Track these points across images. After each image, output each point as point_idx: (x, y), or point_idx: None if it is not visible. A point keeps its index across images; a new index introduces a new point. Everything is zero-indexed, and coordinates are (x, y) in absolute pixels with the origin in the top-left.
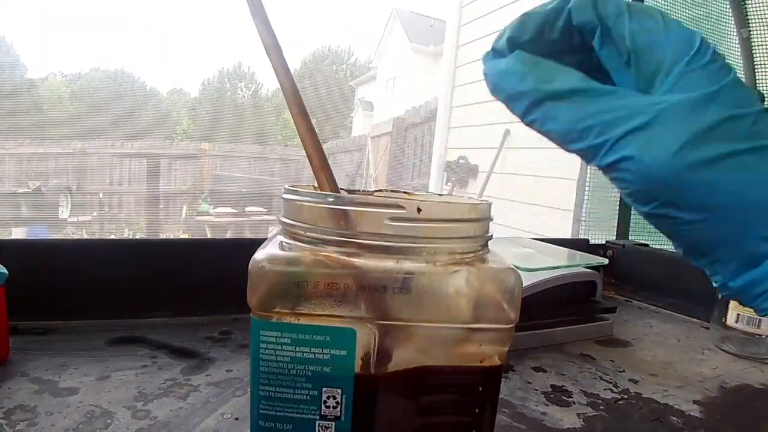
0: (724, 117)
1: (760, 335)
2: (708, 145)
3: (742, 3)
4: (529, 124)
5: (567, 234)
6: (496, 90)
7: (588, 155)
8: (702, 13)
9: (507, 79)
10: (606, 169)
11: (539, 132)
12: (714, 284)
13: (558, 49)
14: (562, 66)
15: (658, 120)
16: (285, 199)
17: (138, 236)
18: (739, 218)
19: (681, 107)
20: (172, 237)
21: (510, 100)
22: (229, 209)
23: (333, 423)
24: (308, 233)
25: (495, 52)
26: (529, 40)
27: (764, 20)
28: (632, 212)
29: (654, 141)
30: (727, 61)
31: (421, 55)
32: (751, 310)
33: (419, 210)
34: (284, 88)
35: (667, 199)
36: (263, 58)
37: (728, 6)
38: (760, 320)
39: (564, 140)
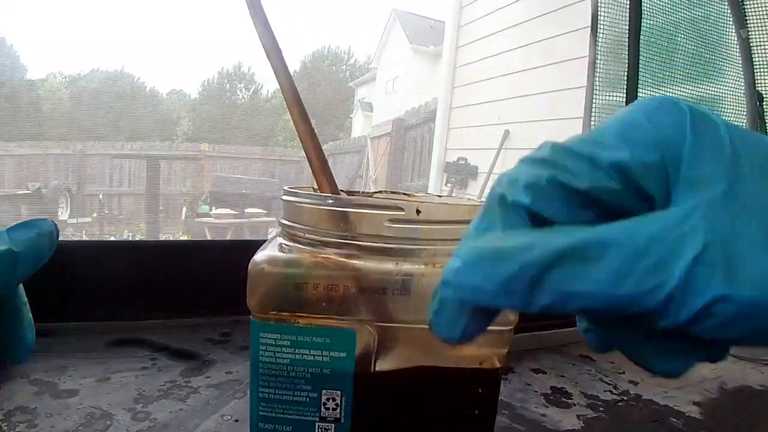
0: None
1: None
2: None
3: (741, 4)
4: (546, 313)
5: None
6: (468, 295)
7: (653, 319)
8: (701, 13)
9: (474, 272)
10: (689, 323)
11: (575, 315)
12: None
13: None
14: (531, 229)
15: (713, 230)
16: (284, 200)
17: (138, 238)
18: None
19: (720, 197)
20: (171, 238)
21: (497, 298)
22: (228, 211)
23: (332, 425)
24: (308, 235)
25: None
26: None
27: (763, 21)
28: None
29: (734, 260)
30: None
31: (420, 55)
32: None
33: (418, 212)
34: (284, 89)
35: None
36: (263, 60)
37: (727, 7)
38: None
39: (612, 313)
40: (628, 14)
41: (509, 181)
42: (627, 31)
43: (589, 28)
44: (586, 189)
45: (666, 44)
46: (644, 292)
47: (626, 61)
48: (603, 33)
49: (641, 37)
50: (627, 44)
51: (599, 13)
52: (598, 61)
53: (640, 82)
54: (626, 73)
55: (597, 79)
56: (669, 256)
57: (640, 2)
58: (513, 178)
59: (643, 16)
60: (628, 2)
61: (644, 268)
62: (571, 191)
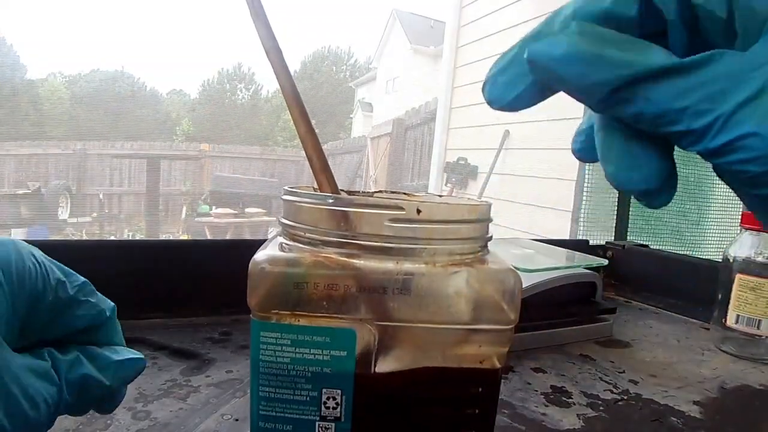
0: None
1: (760, 336)
2: None
3: None
4: (605, 112)
5: (566, 235)
6: (556, 81)
7: (689, 139)
8: None
9: (572, 65)
10: (717, 151)
11: (620, 118)
12: None
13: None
14: (637, 39)
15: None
16: (285, 200)
17: (138, 237)
18: None
19: None
20: (171, 238)
21: (578, 91)
22: (228, 210)
23: (333, 424)
24: (308, 234)
25: (540, 35)
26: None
27: None
28: (630, 213)
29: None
30: None
31: (421, 55)
32: None
33: (419, 211)
34: (284, 89)
35: None
36: (263, 60)
37: None
38: (759, 321)
39: (658, 124)
40: None
41: None
42: None
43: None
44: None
45: None
46: (696, 111)
47: None
48: None
49: None
50: None
51: None
52: None
53: None
54: None
55: None
56: (728, 91)
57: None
58: None
59: None
60: None
61: (705, 93)
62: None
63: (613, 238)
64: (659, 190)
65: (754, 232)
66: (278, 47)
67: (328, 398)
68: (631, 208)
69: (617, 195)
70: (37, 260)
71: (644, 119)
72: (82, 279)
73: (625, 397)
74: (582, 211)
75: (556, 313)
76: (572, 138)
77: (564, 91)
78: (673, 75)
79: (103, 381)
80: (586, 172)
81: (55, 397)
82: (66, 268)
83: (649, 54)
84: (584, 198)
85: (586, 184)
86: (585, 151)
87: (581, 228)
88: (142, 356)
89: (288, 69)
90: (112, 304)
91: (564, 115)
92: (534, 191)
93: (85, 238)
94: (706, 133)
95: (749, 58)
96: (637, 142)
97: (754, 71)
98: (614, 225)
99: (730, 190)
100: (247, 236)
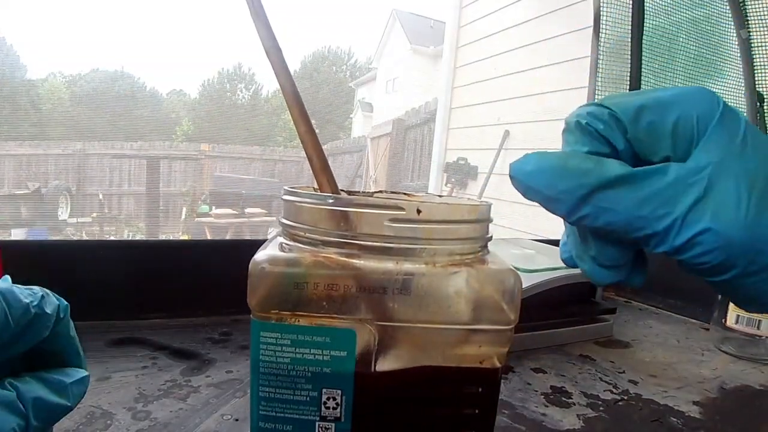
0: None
1: (760, 336)
2: None
3: (742, 4)
4: (578, 222)
5: None
6: (529, 192)
7: (655, 241)
8: (702, 14)
9: (540, 177)
10: (680, 249)
11: (592, 228)
12: None
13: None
14: (592, 156)
15: (713, 184)
16: (285, 200)
17: (138, 237)
18: None
19: (726, 164)
20: (171, 238)
21: (549, 201)
22: (228, 210)
23: (333, 424)
24: (308, 234)
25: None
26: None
27: (764, 21)
28: None
29: (721, 207)
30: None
31: (420, 56)
32: None
33: (419, 211)
34: (284, 89)
35: (748, 261)
36: (263, 59)
37: (728, 7)
38: (759, 321)
39: (626, 231)
40: (630, 14)
41: (586, 113)
42: (629, 31)
43: (591, 29)
44: (628, 135)
45: (668, 44)
46: (656, 216)
47: (629, 60)
48: (605, 33)
49: (643, 37)
50: (629, 44)
51: (601, 12)
52: (600, 61)
53: (641, 82)
54: (629, 73)
55: (599, 79)
56: (679, 196)
57: (643, 2)
58: (586, 111)
59: (645, 16)
60: (631, 2)
61: (661, 200)
62: (622, 130)
63: None
64: (631, 276)
65: None
66: (278, 47)
67: (328, 398)
68: None
69: None
70: None
71: (615, 227)
72: (38, 292)
73: (625, 398)
74: None
75: (556, 313)
76: (560, 248)
77: (540, 204)
78: (630, 183)
79: (67, 403)
80: None
81: (23, 425)
82: (15, 287)
83: (607, 165)
84: None
85: None
86: (571, 260)
87: None
88: (87, 373)
89: (288, 69)
90: (65, 303)
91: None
92: None
93: (85, 238)
94: (668, 234)
95: (690, 167)
96: (606, 245)
97: (697, 175)
98: None
99: None
100: (248, 236)
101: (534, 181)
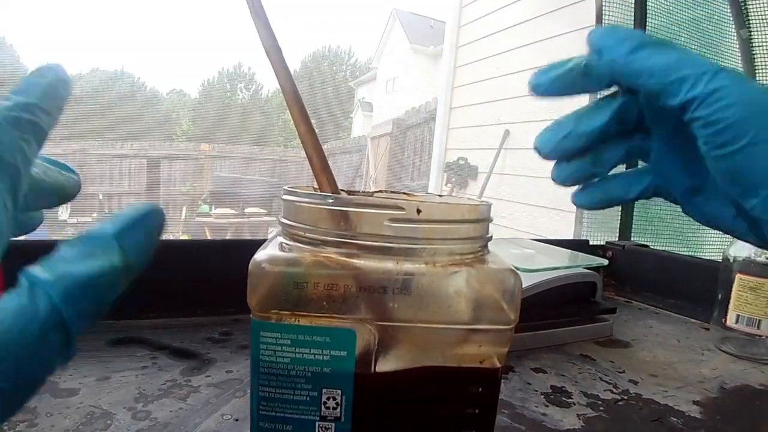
0: None
1: (760, 336)
2: None
3: (742, 4)
4: (624, 70)
5: (567, 235)
6: (600, 40)
7: (685, 87)
8: (703, 13)
9: (614, 33)
10: (703, 101)
11: (634, 71)
12: (752, 215)
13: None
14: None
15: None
16: (285, 200)
17: None
18: None
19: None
20: (171, 238)
21: (617, 42)
22: (228, 210)
23: (333, 424)
24: (308, 234)
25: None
26: None
27: (764, 21)
28: (634, 213)
29: (739, 79)
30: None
31: (420, 55)
32: None
33: (419, 211)
34: (284, 89)
35: (762, 125)
36: (263, 59)
37: (728, 7)
38: (760, 321)
39: (666, 70)
40: (633, 13)
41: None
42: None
43: (592, 28)
44: None
45: None
46: (689, 64)
47: None
48: None
49: None
50: None
51: (603, 12)
52: None
53: None
54: None
55: None
56: (707, 63)
57: (645, 1)
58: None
59: (647, 15)
60: (633, 1)
61: (691, 60)
62: None
63: (616, 238)
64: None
65: None
66: (278, 47)
67: (328, 398)
68: (634, 210)
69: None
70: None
71: (654, 73)
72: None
73: (625, 397)
74: (586, 211)
75: (556, 313)
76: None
77: (600, 54)
78: (668, 47)
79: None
80: None
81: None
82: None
83: (654, 37)
84: None
85: None
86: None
87: (584, 228)
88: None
89: (288, 68)
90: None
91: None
92: (534, 191)
93: None
94: (698, 82)
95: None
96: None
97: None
98: (617, 226)
99: None
100: (247, 236)
101: (608, 35)
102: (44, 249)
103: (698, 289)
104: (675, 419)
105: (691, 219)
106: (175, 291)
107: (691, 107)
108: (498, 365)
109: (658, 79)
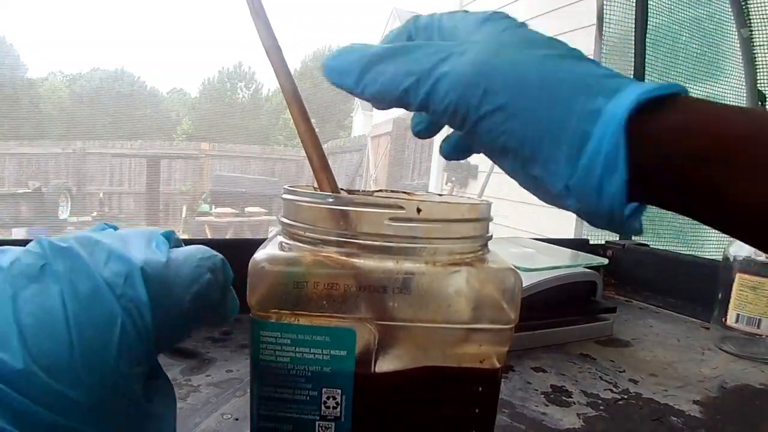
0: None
1: (760, 335)
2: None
3: (743, 3)
4: (364, 92)
5: (568, 234)
6: (334, 72)
7: (409, 98)
8: (705, 12)
9: (340, 59)
10: (427, 101)
11: (372, 96)
12: (555, 192)
13: None
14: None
15: (456, 50)
16: (285, 199)
17: None
18: (554, 95)
19: (473, 37)
20: None
21: (342, 74)
22: (229, 209)
23: (333, 423)
24: (308, 234)
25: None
26: None
27: (765, 20)
28: None
29: (457, 58)
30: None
31: None
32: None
33: (419, 210)
34: (284, 88)
35: (479, 100)
36: (263, 59)
37: (729, 6)
38: (760, 320)
39: (390, 92)
40: (634, 11)
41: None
42: (633, 29)
43: (593, 26)
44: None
45: (671, 43)
46: (408, 74)
47: (632, 59)
48: (608, 31)
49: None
50: (633, 42)
51: (605, 10)
52: (603, 59)
53: (644, 81)
54: (632, 72)
55: None
56: (429, 58)
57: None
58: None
59: (648, 14)
60: (634, 0)
61: (413, 63)
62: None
63: (617, 237)
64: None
65: None
66: (278, 46)
67: (328, 398)
68: None
69: None
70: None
71: (385, 90)
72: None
73: (626, 397)
74: None
75: (557, 312)
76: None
77: (337, 84)
78: (395, 54)
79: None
80: None
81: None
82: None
83: (378, 44)
84: None
85: None
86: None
87: (585, 227)
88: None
89: (288, 67)
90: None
91: None
92: None
93: None
94: (418, 88)
95: (445, 42)
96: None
97: (449, 47)
98: None
99: None
100: (248, 235)
101: (335, 62)
102: None
103: (698, 289)
104: (675, 419)
105: (689, 218)
106: None
107: (428, 109)
108: (498, 365)
109: (391, 99)
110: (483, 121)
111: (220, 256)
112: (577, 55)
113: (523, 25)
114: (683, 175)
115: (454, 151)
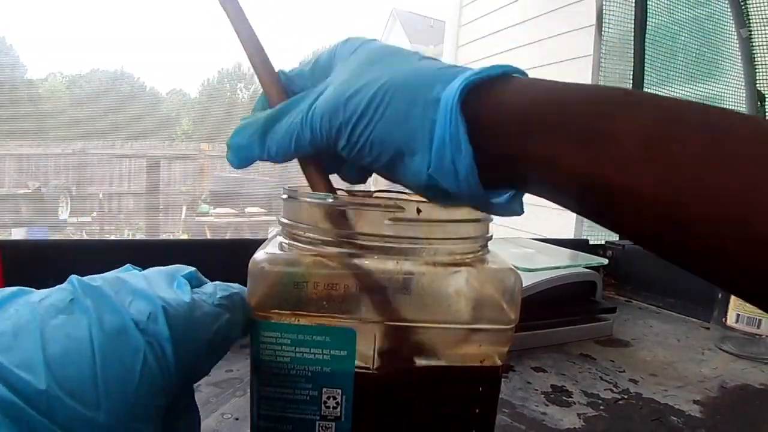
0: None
1: (760, 335)
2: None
3: (742, 3)
4: (276, 157)
5: (568, 234)
6: (239, 154)
7: (300, 143)
8: (703, 12)
9: (238, 136)
10: (312, 137)
11: (276, 154)
12: (424, 183)
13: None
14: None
15: (327, 85)
16: (285, 199)
17: (138, 237)
18: (402, 93)
19: (337, 72)
20: (171, 237)
21: (244, 149)
22: (228, 210)
23: (333, 423)
24: (308, 234)
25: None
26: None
27: (764, 20)
28: None
29: (324, 94)
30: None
31: None
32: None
33: (419, 211)
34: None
35: (345, 119)
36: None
37: (729, 6)
38: (760, 320)
39: (287, 139)
40: (633, 12)
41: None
42: (632, 29)
43: (593, 27)
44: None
45: (670, 43)
46: (294, 123)
47: (631, 59)
48: (608, 31)
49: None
50: (632, 42)
51: (604, 10)
52: (602, 60)
53: (644, 80)
54: (632, 72)
55: (601, 77)
56: (305, 102)
57: (646, 0)
58: None
59: (647, 14)
60: (634, 0)
61: (296, 111)
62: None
63: (617, 237)
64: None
65: None
66: (253, 32)
67: (328, 398)
68: None
69: None
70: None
71: (280, 149)
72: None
73: (626, 397)
74: None
75: (557, 312)
76: None
77: (246, 155)
78: (281, 112)
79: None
80: None
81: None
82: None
83: (268, 110)
84: None
85: None
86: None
87: (585, 227)
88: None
89: (261, 45)
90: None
91: None
92: None
93: (85, 237)
94: (303, 129)
95: (319, 86)
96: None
97: (321, 87)
98: None
99: None
100: (248, 236)
101: (236, 139)
102: (44, 248)
103: (698, 289)
104: (675, 418)
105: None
106: None
107: (316, 146)
108: (498, 364)
109: (289, 151)
110: (354, 133)
111: (240, 293)
112: (419, 56)
113: (372, 40)
114: (509, 148)
115: (356, 175)
